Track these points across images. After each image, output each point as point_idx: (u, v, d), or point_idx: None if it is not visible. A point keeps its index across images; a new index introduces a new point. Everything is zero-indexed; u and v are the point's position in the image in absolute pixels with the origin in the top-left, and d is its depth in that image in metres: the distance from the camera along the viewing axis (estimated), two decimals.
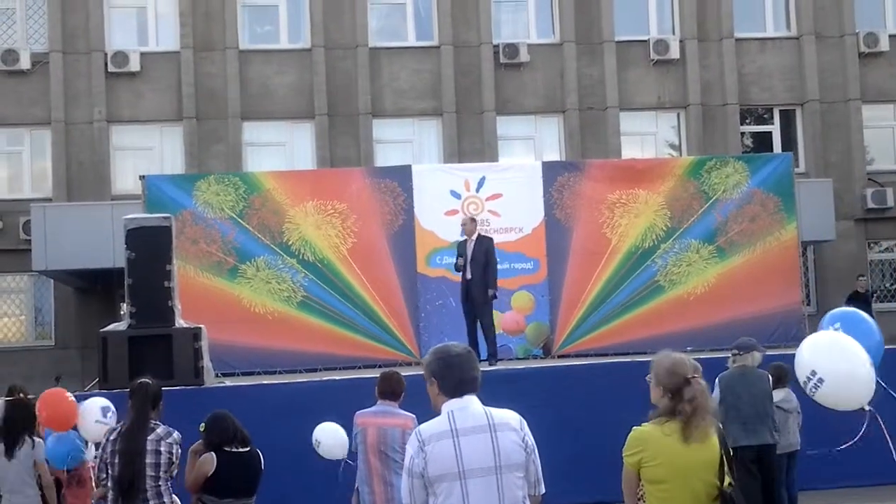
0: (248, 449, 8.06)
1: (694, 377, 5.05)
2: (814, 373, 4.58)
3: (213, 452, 7.88)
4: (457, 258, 14.85)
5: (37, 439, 8.90)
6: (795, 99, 24.89)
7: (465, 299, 14.82)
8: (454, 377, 4.87)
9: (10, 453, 8.69)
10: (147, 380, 7.69)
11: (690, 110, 24.40)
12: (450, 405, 4.84)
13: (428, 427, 4.86)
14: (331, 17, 24.06)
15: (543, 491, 4.95)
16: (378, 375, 8.69)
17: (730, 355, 10.74)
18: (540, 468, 4.91)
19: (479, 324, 14.59)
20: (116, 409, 8.95)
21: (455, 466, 4.72)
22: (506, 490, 4.74)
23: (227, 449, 7.90)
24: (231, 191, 17.09)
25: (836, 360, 4.65)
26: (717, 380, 10.36)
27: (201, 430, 8.04)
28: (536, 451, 4.88)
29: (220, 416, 8.14)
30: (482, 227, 16.62)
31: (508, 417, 4.87)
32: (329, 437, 9.31)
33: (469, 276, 14.57)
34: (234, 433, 7.98)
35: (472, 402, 4.85)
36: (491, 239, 15.12)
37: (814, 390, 4.64)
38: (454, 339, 16.77)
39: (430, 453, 4.75)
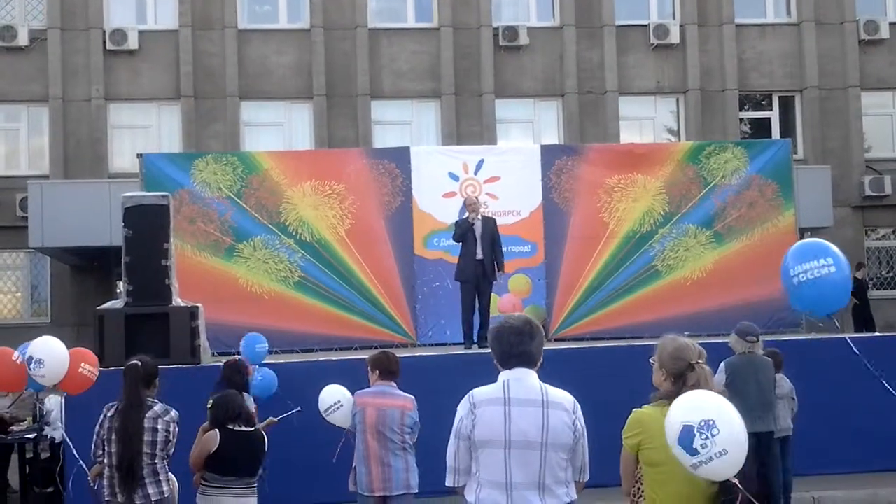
0: (252, 429, 8.05)
1: (698, 363, 5.04)
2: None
3: (216, 430, 7.86)
4: (459, 228, 14.42)
5: (246, 395, 9.50)
6: (795, 85, 24.88)
7: (478, 279, 14.27)
8: (501, 349, 4.90)
9: None
10: (138, 360, 7.62)
11: (689, 95, 24.38)
12: (505, 375, 4.87)
13: (481, 391, 4.89)
14: None
15: (587, 478, 4.97)
16: (368, 356, 8.63)
17: (736, 340, 10.61)
18: (587, 455, 4.92)
19: (478, 304, 14.38)
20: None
21: (502, 434, 4.74)
22: (548, 468, 4.75)
23: (230, 427, 7.87)
24: (229, 170, 17.05)
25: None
26: (722, 364, 10.32)
27: (209, 406, 8.04)
28: (586, 436, 4.89)
29: (228, 393, 8.17)
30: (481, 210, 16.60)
31: (563, 398, 4.88)
32: (333, 399, 9.04)
33: (480, 255, 14.29)
34: (238, 412, 7.96)
35: (528, 375, 4.87)
36: (494, 220, 14.95)
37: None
38: (451, 322, 16.63)
39: (479, 416, 4.78)
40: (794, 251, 7.03)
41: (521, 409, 4.76)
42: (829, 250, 6.53)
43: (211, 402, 8.06)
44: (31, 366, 8.94)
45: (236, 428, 7.90)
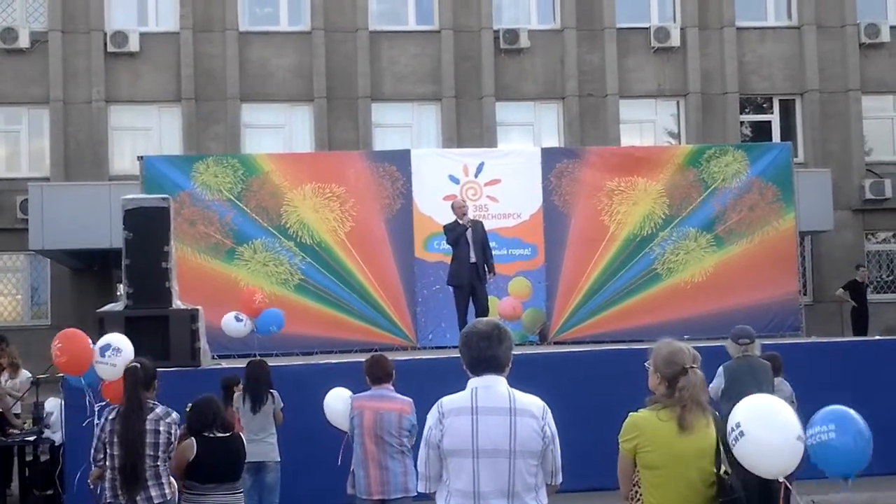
0: (229, 434, 8.02)
1: (692, 367, 5.04)
2: (738, 424, 4.69)
3: (192, 438, 7.81)
4: (452, 232, 14.45)
5: (274, 392, 10.21)
6: (795, 88, 24.87)
7: (473, 282, 14.29)
8: (469, 355, 4.89)
9: (256, 408, 9.93)
10: (137, 363, 7.63)
11: (690, 98, 24.37)
12: (474, 382, 4.85)
13: (450, 400, 4.88)
14: None
15: (560, 480, 4.94)
16: (365, 360, 8.63)
17: (731, 344, 10.62)
18: (559, 458, 4.90)
19: (473, 307, 14.37)
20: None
21: (470, 444, 4.74)
22: (517, 475, 4.73)
23: (206, 434, 7.83)
24: (229, 172, 17.06)
25: (764, 425, 4.71)
26: (721, 368, 10.31)
27: (187, 411, 8.01)
28: (557, 440, 4.87)
29: (202, 400, 8.06)
30: (481, 213, 16.62)
31: (531, 404, 4.85)
32: (338, 403, 9.07)
33: (474, 259, 14.31)
34: (213, 418, 7.90)
35: (497, 382, 4.85)
36: (482, 223, 14.99)
37: (734, 442, 4.74)
38: (451, 325, 16.61)
39: (448, 426, 4.77)
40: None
41: (488, 419, 4.75)
42: (836, 415, 5.96)
43: (189, 406, 8.01)
44: (107, 353, 8.89)
45: (212, 435, 7.85)
